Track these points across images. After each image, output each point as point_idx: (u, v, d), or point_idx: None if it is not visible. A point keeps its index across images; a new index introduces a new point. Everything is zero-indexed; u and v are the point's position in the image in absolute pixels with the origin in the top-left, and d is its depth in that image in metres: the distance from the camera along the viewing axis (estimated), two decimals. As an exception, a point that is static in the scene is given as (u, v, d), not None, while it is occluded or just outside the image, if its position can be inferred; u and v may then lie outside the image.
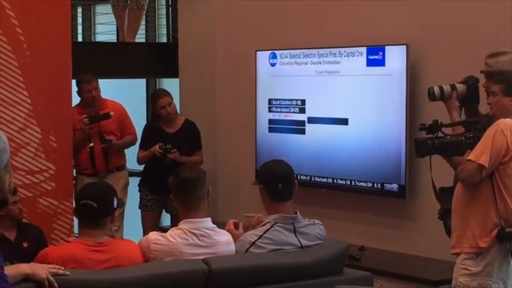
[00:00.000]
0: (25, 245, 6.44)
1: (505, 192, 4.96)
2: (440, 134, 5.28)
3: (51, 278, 4.26)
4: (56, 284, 4.24)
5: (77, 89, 8.15)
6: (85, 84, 8.14)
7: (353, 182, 7.12)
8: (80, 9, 10.51)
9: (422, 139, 5.35)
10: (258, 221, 5.12)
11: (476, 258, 5.02)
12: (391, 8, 6.94)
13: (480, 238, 5.00)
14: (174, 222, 6.52)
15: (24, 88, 7.47)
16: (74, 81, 7.92)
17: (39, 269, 4.30)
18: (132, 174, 8.52)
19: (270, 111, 7.88)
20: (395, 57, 6.80)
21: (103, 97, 8.26)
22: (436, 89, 5.50)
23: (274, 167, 5.27)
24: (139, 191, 8.29)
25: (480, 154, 4.93)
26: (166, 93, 8.34)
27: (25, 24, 7.44)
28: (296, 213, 5.14)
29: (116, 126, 8.14)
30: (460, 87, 5.51)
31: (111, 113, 7.93)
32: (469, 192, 5.08)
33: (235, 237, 5.05)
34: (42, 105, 7.53)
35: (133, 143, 8.32)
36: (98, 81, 8.17)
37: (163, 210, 8.25)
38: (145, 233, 7.17)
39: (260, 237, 5.04)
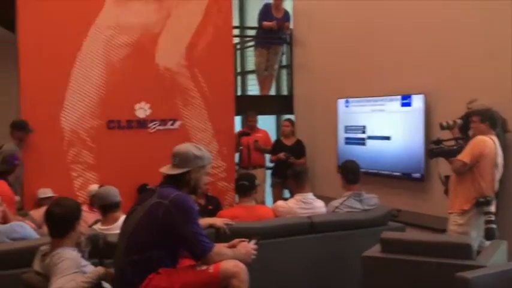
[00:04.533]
0: (210, 207, 6.59)
1: (480, 178, 4.85)
2: (443, 146, 5.22)
3: (224, 226, 4.38)
4: (227, 230, 4.34)
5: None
6: (247, 116, 8.34)
7: (393, 172, 7.02)
8: (239, 78, 10.70)
9: (430, 148, 5.30)
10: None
11: (462, 215, 4.93)
12: (415, 70, 6.83)
13: (465, 204, 4.91)
14: (291, 195, 6.59)
15: (208, 121, 7.67)
16: (236, 117, 8.05)
17: (218, 221, 4.44)
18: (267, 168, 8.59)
19: (345, 132, 7.81)
20: (417, 101, 6.67)
21: (258, 127, 8.36)
22: (445, 123, 5.40)
23: (348, 165, 5.27)
24: (272, 177, 8.33)
25: (465, 156, 4.86)
26: (289, 120, 8.40)
27: (209, 86, 7.63)
28: (361, 191, 5.15)
29: (263, 142, 8.20)
30: (459, 121, 5.40)
31: (249, 133, 8.01)
32: (458, 178, 4.99)
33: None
34: (218, 130, 7.71)
35: (269, 152, 8.30)
36: (255, 117, 8.29)
37: (283, 188, 8.22)
38: (274, 201, 7.25)
39: (341, 203, 5.06)
